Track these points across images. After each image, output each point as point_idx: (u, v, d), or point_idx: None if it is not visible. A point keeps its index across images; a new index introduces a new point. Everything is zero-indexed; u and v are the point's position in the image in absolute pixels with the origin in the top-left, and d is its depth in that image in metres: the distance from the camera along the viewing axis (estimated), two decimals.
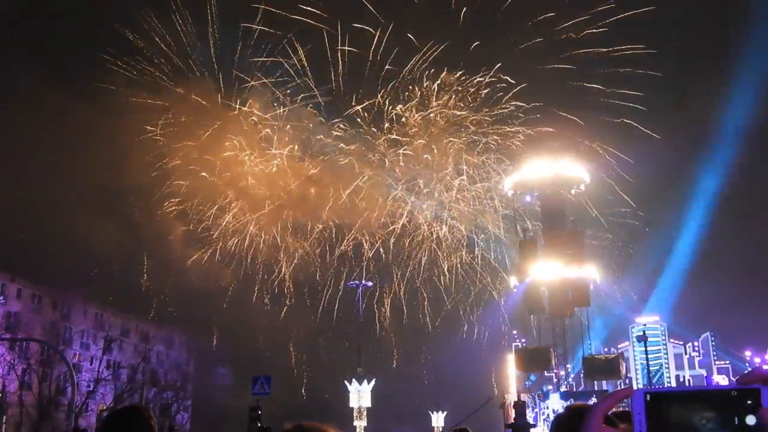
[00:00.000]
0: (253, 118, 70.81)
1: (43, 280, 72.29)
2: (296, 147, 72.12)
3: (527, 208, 67.74)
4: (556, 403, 55.61)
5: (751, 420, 1.16)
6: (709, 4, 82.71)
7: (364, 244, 72.62)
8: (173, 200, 70.16)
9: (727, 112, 72.85)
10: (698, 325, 76.09)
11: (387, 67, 67.76)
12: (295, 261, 73.32)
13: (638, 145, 69.04)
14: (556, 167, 63.61)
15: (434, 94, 69.89)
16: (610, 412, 1.30)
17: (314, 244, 73.49)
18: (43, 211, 67.17)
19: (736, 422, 1.16)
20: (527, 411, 35.46)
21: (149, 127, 68.58)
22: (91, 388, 68.61)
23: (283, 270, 73.41)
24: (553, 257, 60.10)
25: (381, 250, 73.19)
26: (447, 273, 73.75)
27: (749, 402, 1.16)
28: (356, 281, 60.85)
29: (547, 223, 63.68)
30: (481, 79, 68.46)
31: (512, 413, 33.40)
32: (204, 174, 69.80)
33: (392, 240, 72.96)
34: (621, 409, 3.65)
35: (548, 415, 56.04)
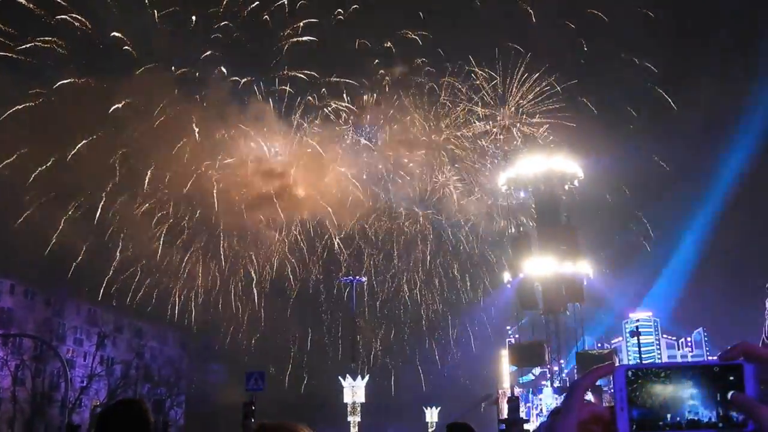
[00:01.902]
0: (216, 120, 70.31)
1: (35, 276, 71.82)
2: (265, 144, 71.68)
3: (521, 203, 67.87)
4: (549, 398, 55.73)
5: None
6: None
7: (339, 240, 72.60)
8: (142, 201, 69.59)
9: (738, 113, 72.92)
10: (691, 321, 76.24)
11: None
12: (277, 259, 73.28)
13: (630, 141, 69.28)
14: (549, 163, 63.64)
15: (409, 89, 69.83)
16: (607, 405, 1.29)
17: (293, 241, 73.46)
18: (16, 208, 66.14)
19: (719, 398, 1.15)
20: (520, 406, 35.58)
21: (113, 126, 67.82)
22: (84, 384, 68.49)
23: (265, 268, 73.38)
24: (546, 253, 60.14)
25: (374, 246, 73.24)
26: (438, 269, 73.89)
27: (731, 378, 1.15)
28: (349, 277, 60.70)
29: (541, 219, 63.72)
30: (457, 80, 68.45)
31: (505, 408, 33.55)
32: (166, 175, 68.89)
33: (377, 237, 73.00)
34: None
35: (541, 410, 56.16)
